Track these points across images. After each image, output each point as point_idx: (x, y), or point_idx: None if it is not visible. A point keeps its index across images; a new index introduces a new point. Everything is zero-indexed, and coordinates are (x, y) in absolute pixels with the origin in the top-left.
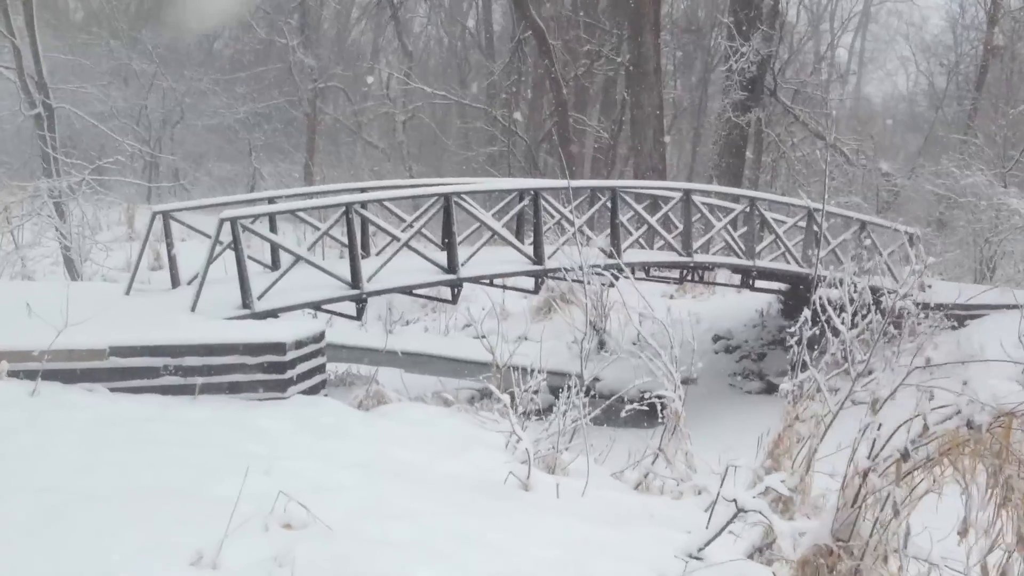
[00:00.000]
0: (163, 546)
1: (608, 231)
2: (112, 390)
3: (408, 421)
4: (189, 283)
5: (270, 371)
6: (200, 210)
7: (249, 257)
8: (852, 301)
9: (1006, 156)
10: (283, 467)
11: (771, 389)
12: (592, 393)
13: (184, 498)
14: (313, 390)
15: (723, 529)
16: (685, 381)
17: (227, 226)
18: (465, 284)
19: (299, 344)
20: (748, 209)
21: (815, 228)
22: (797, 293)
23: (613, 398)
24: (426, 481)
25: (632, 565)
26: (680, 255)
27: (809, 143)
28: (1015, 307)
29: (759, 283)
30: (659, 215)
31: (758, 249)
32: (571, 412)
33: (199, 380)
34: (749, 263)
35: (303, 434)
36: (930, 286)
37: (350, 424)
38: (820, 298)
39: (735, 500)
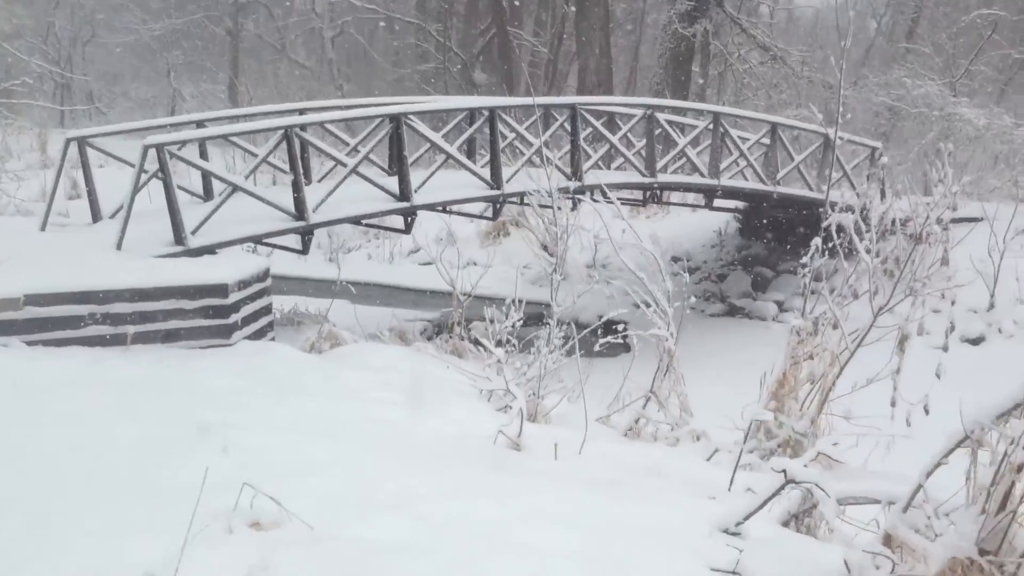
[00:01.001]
0: (102, 566)
1: (566, 152)
2: (29, 343)
3: (368, 366)
4: (112, 216)
5: (212, 316)
6: (120, 135)
7: (178, 187)
8: (868, 226)
9: (955, 65)
10: (242, 441)
11: (733, 311)
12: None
13: (125, 492)
14: (260, 334)
15: (768, 501)
16: (638, 306)
17: (152, 153)
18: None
19: (243, 284)
20: (711, 126)
21: (779, 143)
22: (757, 211)
23: (588, 329)
24: (408, 449)
25: (672, 552)
26: (644, 176)
27: (757, 55)
28: (976, 220)
29: (717, 202)
30: (620, 134)
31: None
32: (545, 349)
33: (131, 329)
34: (714, 182)
35: (258, 392)
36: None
37: (306, 375)
38: (832, 224)
39: (784, 471)
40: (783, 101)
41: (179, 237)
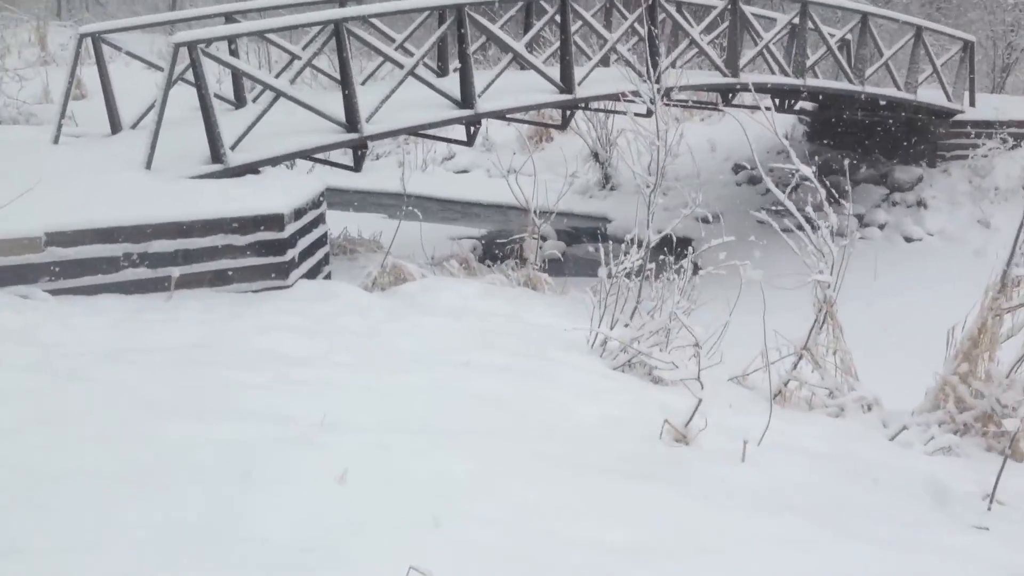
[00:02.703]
0: None
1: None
2: (55, 292)
3: (443, 310)
4: (134, 126)
5: (266, 253)
6: (133, 31)
7: None
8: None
9: None
10: (359, 459)
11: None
12: (607, 237)
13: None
14: (316, 270)
15: None
16: (706, 220)
17: (183, 52)
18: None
19: (299, 213)
20: (798, 18)
21: (869, 36)
22: (829, 113)
23: (694, 255)
24: (553, 451)
25: None
26: (725, 74)
27: None
28: None
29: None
30: (702, 26)
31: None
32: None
33: (174, 271)
34: (799, 81)
35: (339, 362)
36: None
37: (383, 328)
38: None
39: None
40: None
41: (217, 154)
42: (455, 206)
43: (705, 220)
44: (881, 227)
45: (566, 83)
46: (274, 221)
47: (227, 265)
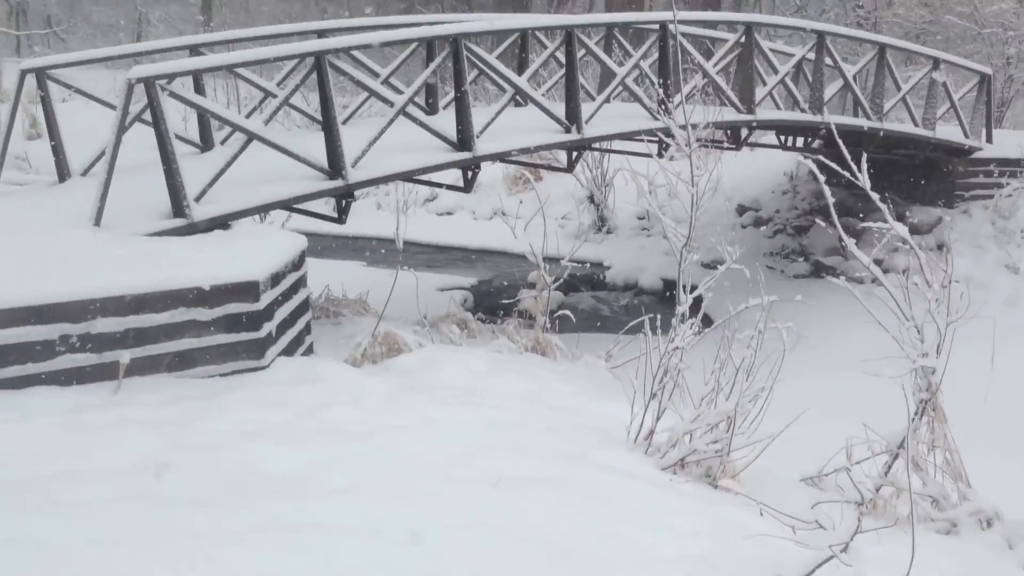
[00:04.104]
0: None
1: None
2: None
3: (452, 393)
4: (84, 173)
5: (237, 328)
6: (85, 65)
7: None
8: None
9: None
10: None
11: (819, 271)
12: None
13: None
14: (297, 342)
15: None
16: (711, 265)
17: (140, 89)
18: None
19: (276, 278)
20: (814, 50)
21: (887, 69)
22: (838, 152)
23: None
24: None
25: None
26: (740, 111)
27: None
28: None
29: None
30: (715, 60)
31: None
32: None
33: (123, 355)
34: (818, 118)
35: (335, 484)
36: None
37: (384, 422)
38: None
39: None
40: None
41: (179, 206)
42: (441, 252)
43: (710, 266)
44: (903, 272)
45: (573, 121)
46: (247, 290)
47: (190, 345)
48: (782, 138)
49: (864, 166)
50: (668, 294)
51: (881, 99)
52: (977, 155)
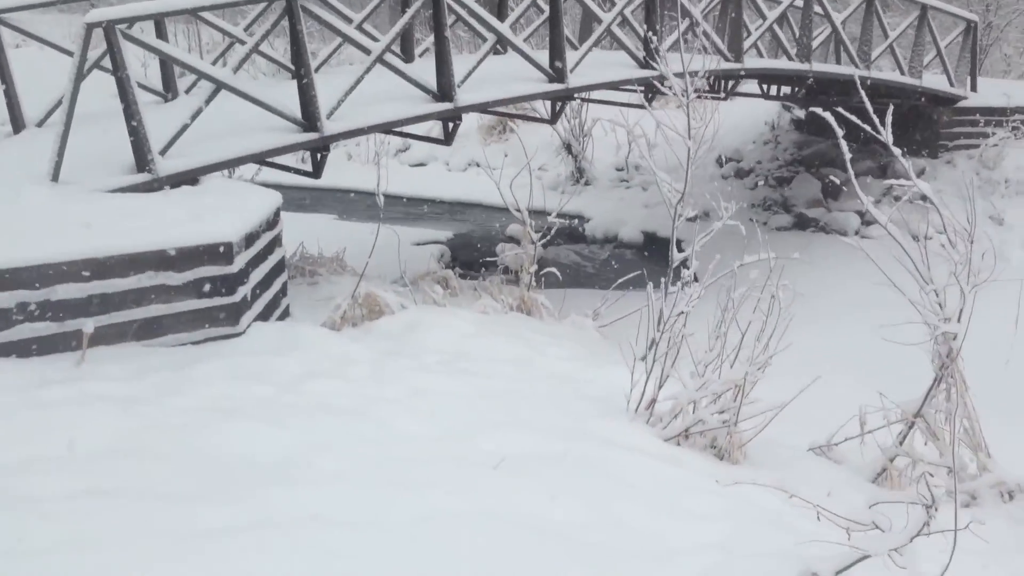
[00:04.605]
0: None
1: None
2: None
3: (439, 358)
4: (40, 124)
5: (210, 293)
6: (40, 8)
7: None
8: None
9: None
10: None
11: (803, 223)
12: (584, 235)
13: None
14: (273, 305)
15: None
16: (693, 218)
17: (99, 34)
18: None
19: (251, 239)
20: None
21: (875, 15)
22: (818, 100)
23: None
24: None
25: None
26: (727, 59)
27: None
28: None
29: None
30: (703, 5)
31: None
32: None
33: (87, 323)
34: (805, 66)
35: (322, 469)
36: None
37: (369, 393)
38: None
39: None
40: None
41: (143, 160)
42: (415, 204)
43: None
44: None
45: (557, 70)
46: (221, 252)
47: (159, 311)
48: (764, 87)
49: (888, 120)
50: (651, 247)
51: (869, 47)
52: (962, 104)
